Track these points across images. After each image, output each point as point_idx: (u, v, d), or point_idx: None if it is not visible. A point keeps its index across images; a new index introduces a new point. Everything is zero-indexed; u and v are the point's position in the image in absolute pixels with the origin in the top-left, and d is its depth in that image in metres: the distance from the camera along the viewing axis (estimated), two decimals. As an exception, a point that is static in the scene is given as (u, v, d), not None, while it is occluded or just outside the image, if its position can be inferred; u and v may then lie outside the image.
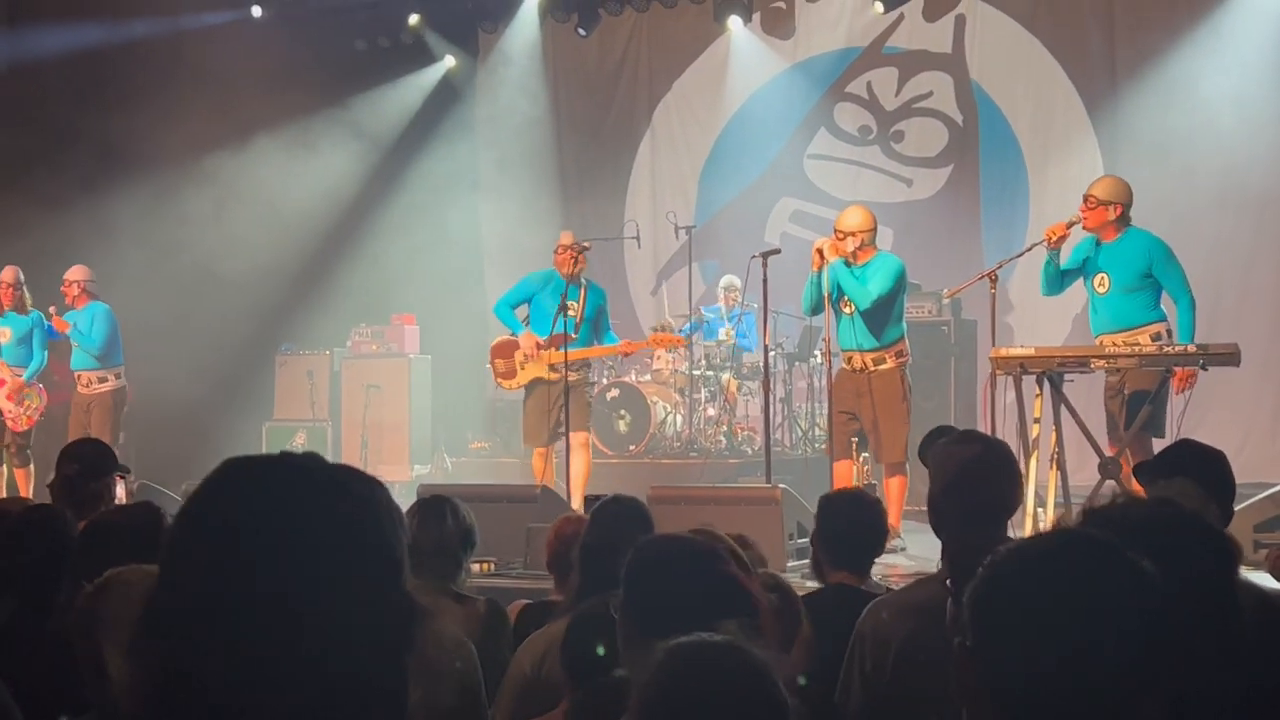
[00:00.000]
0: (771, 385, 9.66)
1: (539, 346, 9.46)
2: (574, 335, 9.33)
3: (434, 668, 3.46)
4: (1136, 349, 7.55)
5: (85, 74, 12.10)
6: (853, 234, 8.39)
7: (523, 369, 9.63)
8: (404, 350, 13.43)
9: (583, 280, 9.60)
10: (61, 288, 10.86)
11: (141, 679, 1.31)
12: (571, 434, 9.34)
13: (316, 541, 1.29)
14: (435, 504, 4.30)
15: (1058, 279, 8.13)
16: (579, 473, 9.29)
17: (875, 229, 8.54)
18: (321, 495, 1.32)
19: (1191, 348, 7.34)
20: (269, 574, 1.27)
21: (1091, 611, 1.55)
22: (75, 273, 10.90)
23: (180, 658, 1.28)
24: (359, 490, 1.35)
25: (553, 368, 9.33)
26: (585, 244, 9.55)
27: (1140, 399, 7.61)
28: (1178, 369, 7.51)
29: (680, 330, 12.10)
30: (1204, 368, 7.37)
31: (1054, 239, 7.97)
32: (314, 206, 13.69)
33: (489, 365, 10.12)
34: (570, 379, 9.18)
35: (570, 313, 9.33)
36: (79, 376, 10.89)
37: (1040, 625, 1.56)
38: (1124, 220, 7.91)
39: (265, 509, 1.30)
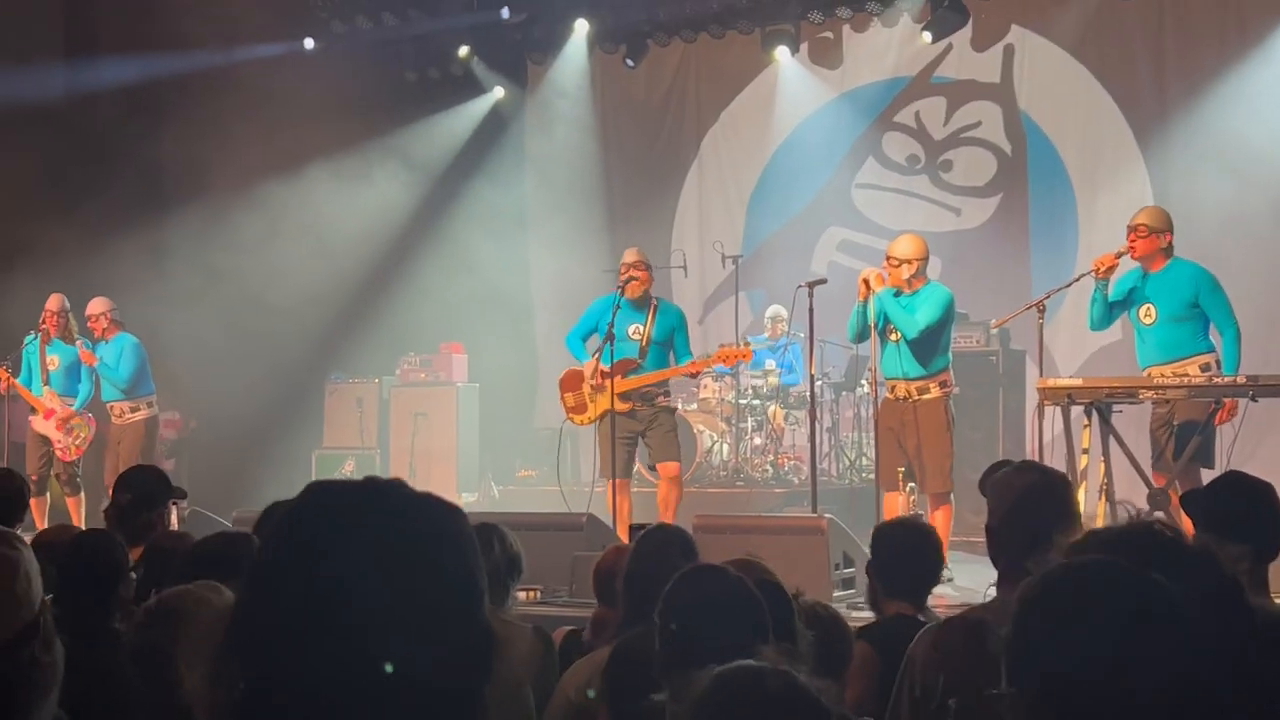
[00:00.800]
0: (818, 415, 9.64)
1: (604, 375, 9.09)
2: (640, 360, 9.08)
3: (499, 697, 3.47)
4: (1185, 379, 7.50)
5: (140, 104, 12.28)
6: (907, 261, 8.38)
7: (593, 401, 9.27)
8: (452, 379, 13.50)
9: (652, 300, 9.29)
10: (88, 323, 10.93)
11: (223, 697, 1.33)
12: (659, 465, 9.14)
13: (400, 566, 1.32)
14: (483, 532, 4.31)
15: (1106, 312, 8.09)
16: (665, 504, 8.95)
17: (928, 257, 8.53)
18: (406, 521, 1.35)
19: (1242, 378, 7.28)
20: (353, 597, 1.30)
21: (1128, 638, 1.57)
22: (97, 305, 10.91)
23: (264, 677, 1.30)
24: (441, 517, 1.38)
25: (622, 397, 9.04)
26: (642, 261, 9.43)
27: (1189, 429, 7.55)
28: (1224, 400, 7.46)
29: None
30: (1254, 399, 7.31)
31: (1102, 270, 7.94)
32: (364, 235, 13.82)
33: (560, 401, 9.68)
34: (642, 410, 9.04)
35: (635, 336, 9.11)
36: (111, 408, 10.97)
37: (1077, 654, 1.58)
38: (1170, 249, 7.88)
39: (351, 533, 1.33)
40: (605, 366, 8.98)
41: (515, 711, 3.61)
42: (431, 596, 1.32)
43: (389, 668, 1.29)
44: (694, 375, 9.79)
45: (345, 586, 1.30)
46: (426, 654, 1.31)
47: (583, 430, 12.01)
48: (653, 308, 9.24)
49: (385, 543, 1.33)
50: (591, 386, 9.21)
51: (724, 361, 9.53)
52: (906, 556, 4.35)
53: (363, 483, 1.38)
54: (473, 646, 1.35)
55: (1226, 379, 7.37)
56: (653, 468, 9.50)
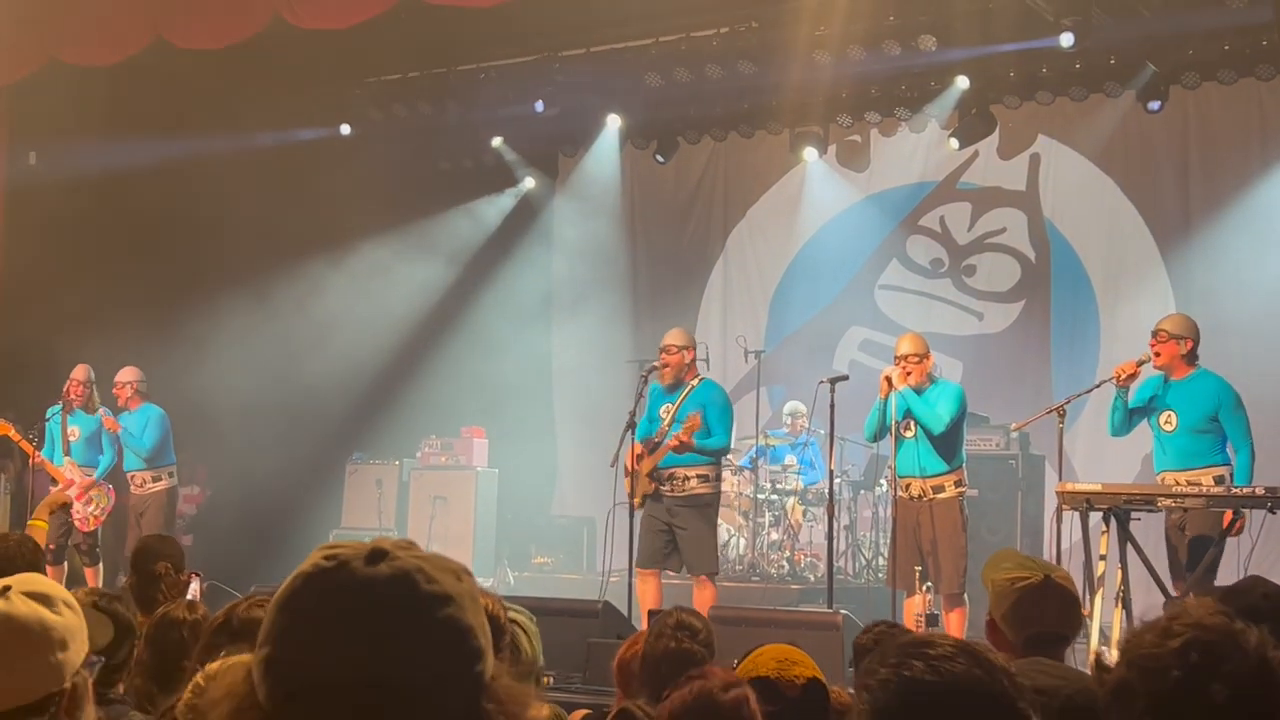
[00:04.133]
0: (836, 512, 9.64)
1: (638, 457, 9.04)
2: (656, 440, 8.95)
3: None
4: (1200, 489, 7.52)
5: (177, 182, 12.47)
6: (917, 355, 8.49)
7: (638, 484, 9.14)
8: (472, 463, 13.54)
9: (690, 382, 9.14)
10: (114, 389, 11.04)
11: None
12: (693, 576, 8.96)
13: (406, 629, 1.34)
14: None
15: (1126, 419, 8.13)
16: (701, 606, 8.34)
17: (929, 355, 8.63)
18: (412, 585, 1.36)
19: (1260, 490, 7.29)
20: (361, 659, 1.32)
21: None
22: (127, 374, 11.09)
23: None
24: (447, 579, 1.39)
25: (650, 476, 8.97)
26: (656, 364, 9.42)
27: (1201, 543, 7.57)
28: (1228, 511, 7.47)
29: (746, 455, 12.17)
30: (1273, 511, 7.31)
31: (1123, 377, 7.99)
32: (392, 318, 13.96)
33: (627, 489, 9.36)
34: (669, 493, 8.93)
35: (665, 416, 9.01)
36: (132, 477, 11.08)
37: None
38: (1193, 357, 7.93)
39: (358, 597, 1.35)
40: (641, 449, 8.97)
41: None
42: (436, 657, 1.34)
43: None
44: (678, 451, 8.99)
45: (351, 649, 1.32)
46: (429, 713, 1.33)
47: (600, 518, 12.05)
48: (689, 388, 9.11)
49: (390, 606, 1.34)
50: (627, 470, 9.12)
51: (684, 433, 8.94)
52: None
53: (371, 545, 1.40)
54: (475, 706, 1.36)
55: (1246, 489, 7.38)
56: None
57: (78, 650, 2.14)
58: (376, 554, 1.38)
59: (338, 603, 1.35)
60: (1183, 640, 1.81)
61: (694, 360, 9.26)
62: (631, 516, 9.16)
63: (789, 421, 12.42)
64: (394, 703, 1.32)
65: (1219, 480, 7.70)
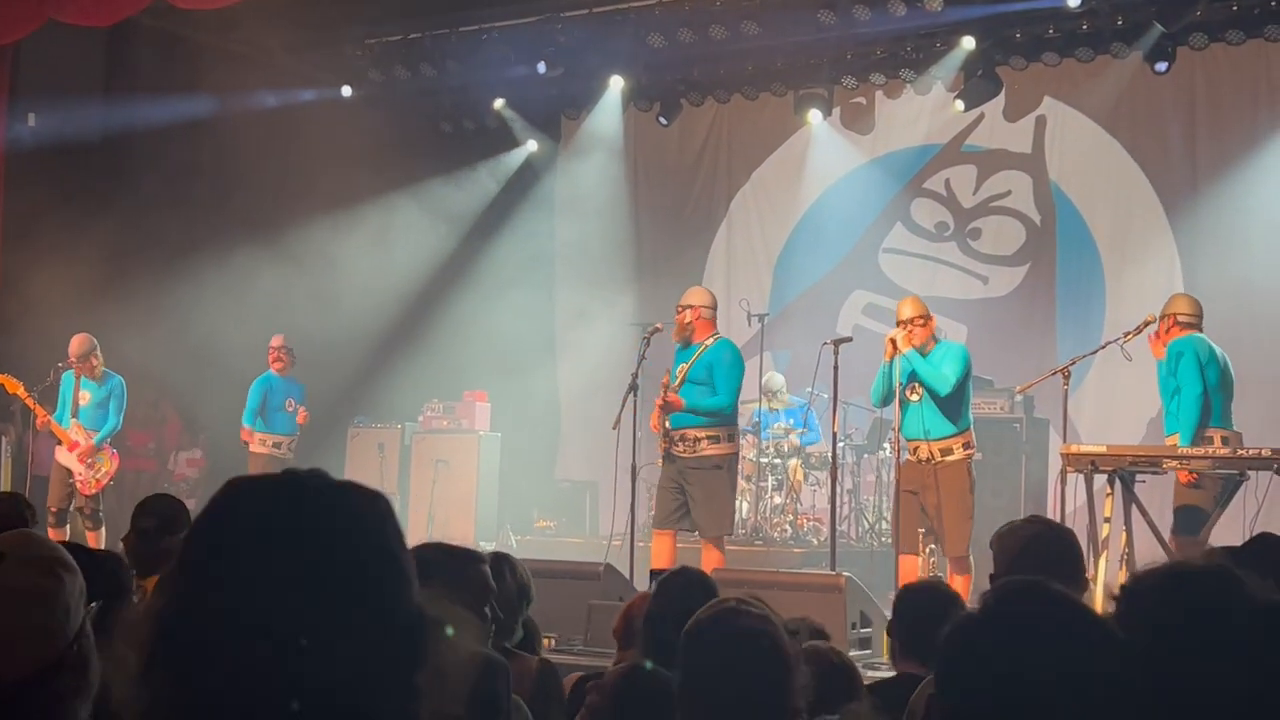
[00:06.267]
0: (839, 476, 9.59)
1: (658, 418, 8.93)
2: (678, 400, 8.76)
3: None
4: (1207, 451, 7.51)
5: (176, 145, 12.41)
6: (919, 317, 8.46)
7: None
8: (474, 427, 13.51)
9: (707, 340, 8.98)
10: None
11: (153, 701, 1.32)
12: (701, 539, 8.88)
13: (320, 555, 1.31)
14: (494, 562, 4.29)
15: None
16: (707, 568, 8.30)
17: (931, 316, 8.61)
18: (324, 510, 1.35)
19: (1267, 451, 7.26)
20: (275, 588, 1.29)
21: (1046, 657, 1.59)
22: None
23: (187, 679, 1.29)
24: (362, 504, 1.38)
25: (663, 436, 8.88)
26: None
27: (1185, 501, 7.69)
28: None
29: (753, 418, 12.12)
30: (1278, 471, 7.28)
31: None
32: (394, 281, 13.91)
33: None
34: (682, 454, 8.83)
35: (679, 375, 8.89)
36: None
37: (997, 675, 1.60)
38: (1180, 327, 8.07)
39: (270, 526, 1.33)
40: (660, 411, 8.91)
41: None
42: (354, 582, 1.31)
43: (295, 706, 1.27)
44: (663, 408, 8.85)
45: (264, 578, 1.30)
46: (351, 641, 1.30)
47: (602, 482, 12.03)
48: (704, 347, 8.98)
49: (303, 532, 1.32)
50: (653, 428, 9.03)
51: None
52: (927, 621, 4.30)
53: (280, 475, 1.38)
54: (401, 632, 1.34)
55: (1251, 451, 7.36)
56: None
57: (78, 612, 2.10)
58: None
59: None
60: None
61: (701, 319, 9.07)
62: (634, 481, 9.13)
63: (769, 395, 12.25)
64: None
65: (1225, 441, 7.70)
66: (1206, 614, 1.65)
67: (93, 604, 2.15)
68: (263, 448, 11.79)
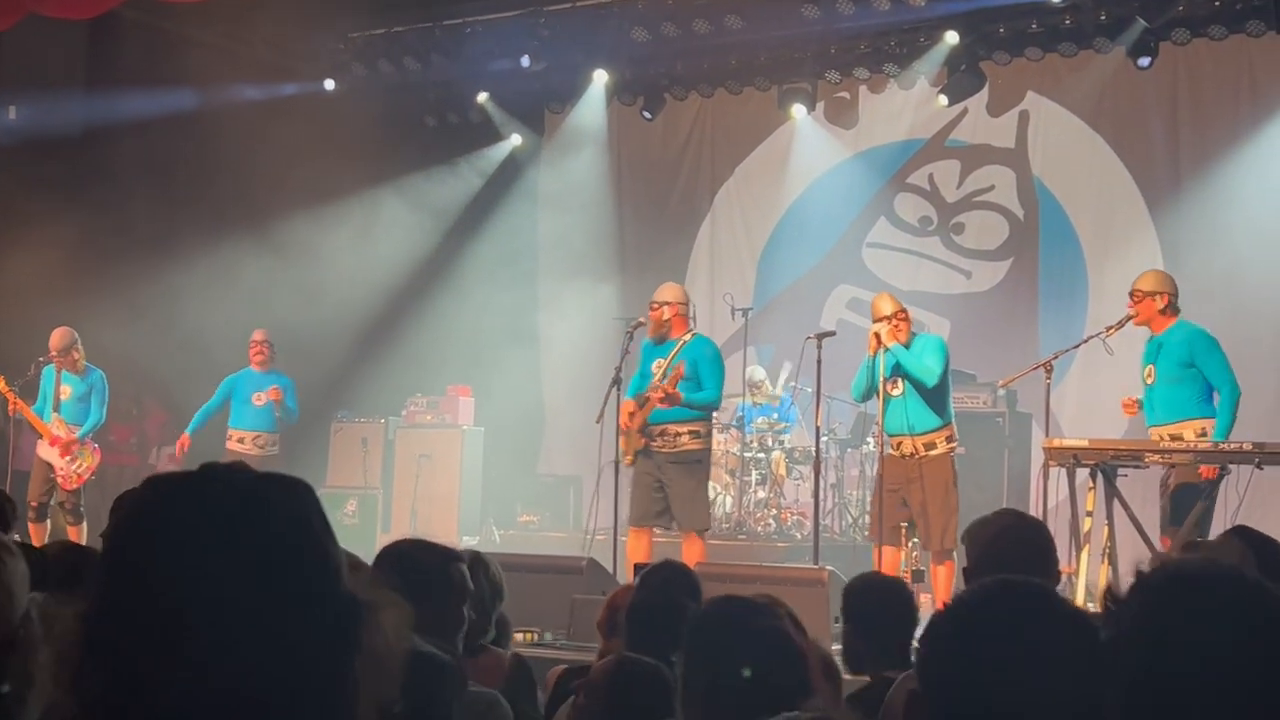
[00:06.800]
0: (822, 470, 9.59)
1: (630, 413, 8.89)
2: (678, 395, 8.72)
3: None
4: (1188, 444, 7.50)
5: (157, 138, 12.37)
6: (899, 312, 8.48)
7: (628, 439, 9.02)
8: (458, 421, 13.48)
9: (685, 335, 9.03)
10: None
11: (80, 707, 1.31)
12: (682, 533, 8.86)
13: (240, 549, 1.30)
14: (470, 563, 4.28)
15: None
16: (689, 560, 8.21)
17: (908, 311, 8.66)
18: (243, 504, 1.34)
19: (1248, 445, 7.28)
20: (196, 584, 1.28)
21: (1024, 654, 1.59)
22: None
23: (115, 680, 1.28)
24: (281, 496, 1.37)
25: (642, 432, 8.83)
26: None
27: (1185, 492, 7.55)
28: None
29: (737, 412, 12.12)
30: (1260, 466, 7.30)
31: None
32: (377, 275, 13.88)
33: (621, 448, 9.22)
34: (660, 449, 8.81)
35: (656, 371, 8.87)
36: (242, 437, 11.47)
37: (975, 669, 1.60)
38: (1173, 310, 7.90)
39: (188, 522, 1.32)
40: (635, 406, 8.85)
41: None
42: (277, 573, 1.31)
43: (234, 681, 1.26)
44: (663, 402, 8.83)
45: (186, 575, 1.29)
46: (280, 631, 1.29)
47: (586, 477, 12.01)
48: (681, 343, 8.99)
49: (222, 527, 1.31)
50: (624, 425, 8.98)
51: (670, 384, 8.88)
52: (878, 613, 4.22)
53: (198, 471, 1.37)
54: (331, 618, 1.33)
55: (1232, 445, 7.37)
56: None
57: (21, 597, 2.09)
58: None
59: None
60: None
61: (678, 316, 9.09)
62: (618, 475, 9.12)
63: (748, 390, 12.24)
64: None
65: (1200, 434, 7.66)
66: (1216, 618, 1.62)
67: (34, 594, 2.13)
68: (229, 443, 11.52)
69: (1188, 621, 1.54)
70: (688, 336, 9.06)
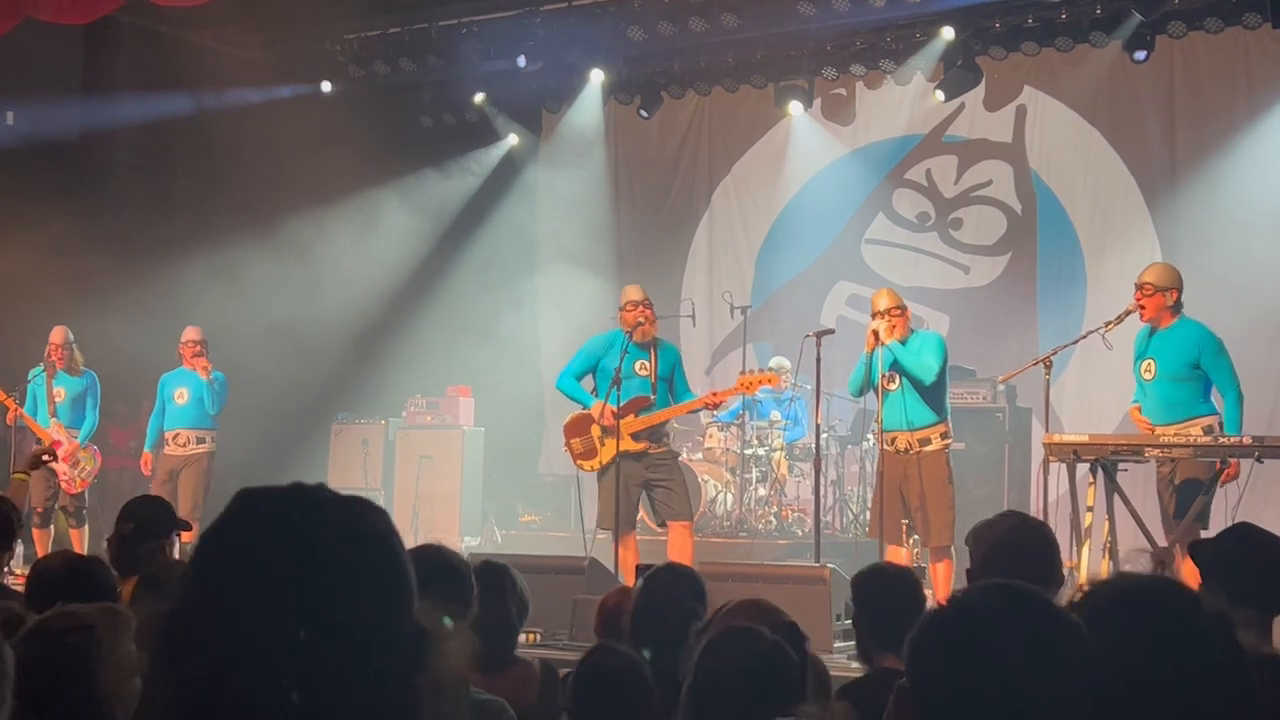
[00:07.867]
0: (823, 467, 9.60)
1: (615, 415, 8.75)
2: (651, 397, 8.83)
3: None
4: (1190, 439, 7.49)
5: (155, 142, 12.38)
6: (898, 307, 8.47)
7: (603, 445, 8.92)
8: (458, 422, 13.49)
9: (654, 339, 9.05)
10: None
11: (157, 709, 1.34)
12: (672, 523, 8.85)
13: (331, 568, 1.33)
14: (494, 574, 4.11)
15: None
16: (681, 556, 8.30)
17: (907, 307, 8.65)
18: (335, 524, 1.37)
19: (1247, 439, 7.27)
20: (280, 601, 1.31)
21: (1017, 659, 1.61)
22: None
23: (197, 683, 1.31)
24: (371, 519, 1.40)
25: (635, 437, 8.84)
26: (641, 321, 9.30)
27: (1191, 488, 7.53)
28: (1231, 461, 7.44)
29: (733, 409, 12.11)
30: (1260, 460, 7.30)
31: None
32: (376, 276, 13.89)
33: (565, 448, 9.33)
34: (654, 451, 8.85)
35: (642, 372, 8.88)
36: (176, 435, 10.99)
37: (963, 669, 1.63)
38: (1178, 306, 7.86)
39: (282, 538, 1.35)
40: (615, 407, 8.77)
41: None
42: (362, 594, 1.33)
43: (294, 696, 1.28)
44: (714, 407, 9.60)
45: (272, 590, 1.31)
46: (356, 650, 1.31)
47: (587, 477, 11.99)
48: (653, 347, 9.06)
49: (314, 546, 1.34)
50: (602, 429, 8.96)
51: (746, 389, 9.39)
52: (889, 605, 4.23)
53: (291, 488, 1.39)
54: (403, 641, 1.35)
55: (1232, 439, 7.36)
56: (662, 523, 9.12)
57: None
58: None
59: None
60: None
61: (652, 315, 9.11)
62: (618, 475, 9.07)
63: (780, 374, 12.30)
64: None
65: (1207, 431, 7.64)
66: (1161, 628, 1.67)
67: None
68: (166, 447, 11.08)
69: (1120, 636, 1.59)
70: (659, 338, 9.16)
